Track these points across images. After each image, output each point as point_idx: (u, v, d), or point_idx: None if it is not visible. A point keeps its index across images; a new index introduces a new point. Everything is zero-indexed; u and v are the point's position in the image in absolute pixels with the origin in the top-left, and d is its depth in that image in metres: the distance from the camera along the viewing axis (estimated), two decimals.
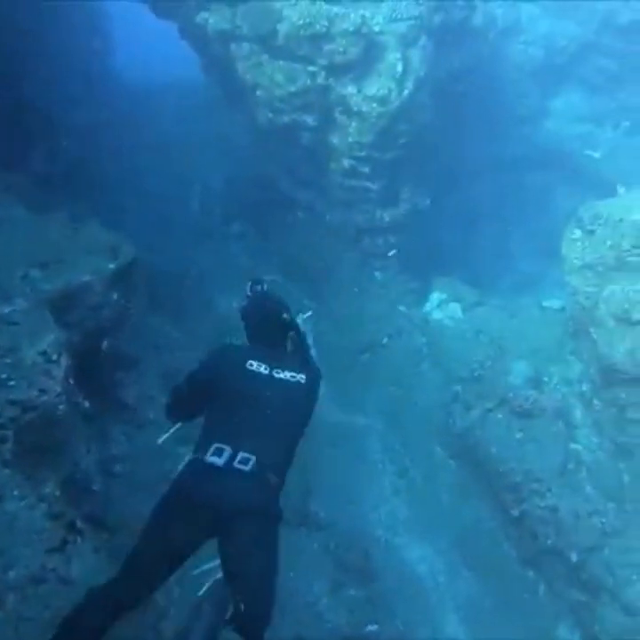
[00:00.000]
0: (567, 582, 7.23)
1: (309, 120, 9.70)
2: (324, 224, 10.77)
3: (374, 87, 9.20)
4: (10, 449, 4.64)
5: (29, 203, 7.27)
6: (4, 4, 9.64)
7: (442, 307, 10.07)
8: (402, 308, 10.19)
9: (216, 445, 3.36)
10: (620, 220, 7.55)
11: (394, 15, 8.99)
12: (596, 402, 7.81)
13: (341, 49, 9.03)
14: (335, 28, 8.92)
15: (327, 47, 9.08)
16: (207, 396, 3.65)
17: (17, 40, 9.97)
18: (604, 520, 7.16)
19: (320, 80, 9.34)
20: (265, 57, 9.55)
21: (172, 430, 3.88)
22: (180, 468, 3.44)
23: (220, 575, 3.36)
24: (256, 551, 3.25)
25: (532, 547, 7.47)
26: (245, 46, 9.62)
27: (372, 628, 5.63)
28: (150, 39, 17.35)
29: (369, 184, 10.09)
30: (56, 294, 6.15)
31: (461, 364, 8.92)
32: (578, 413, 7.95)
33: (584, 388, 8.04)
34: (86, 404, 5.78)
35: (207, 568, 3.54)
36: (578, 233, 7.99)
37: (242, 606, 3.14)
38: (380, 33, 9.04)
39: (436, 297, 10.21)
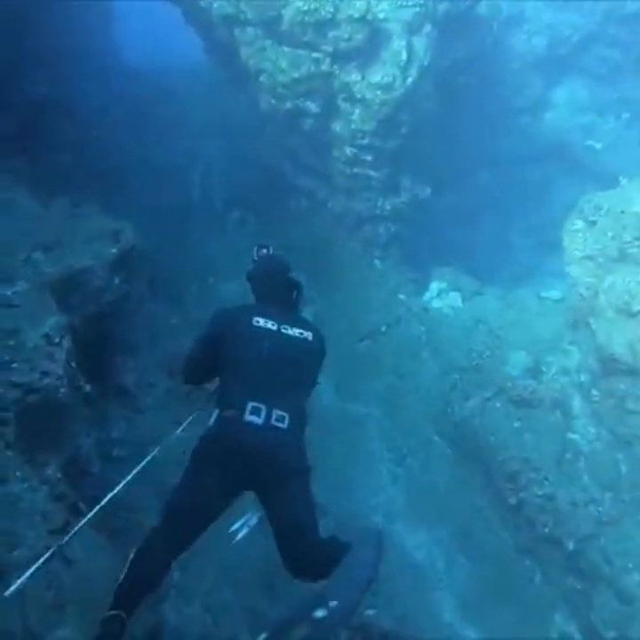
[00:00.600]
0: (564, 570, 7.30)
1: (312, 107, 9.66)
2: (326, 211, 10.77)
3: (378, 74, 9.16)
4: (12, 431, 4.66)
5: (34, 188, 7.26)
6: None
7: (441, 296, 10.10)
8: (402, 297, 10.20)
9: (252, 404, 3.37)
10: (622, 212, 7.59)
11: (399, 2, 8.93)
12: (594, 392, 7.85)
13: (346, 36, 8.98)
14: (340, 15, 8.88)
15: (332, 33, 9.04)
16: (219, 354, 3.65)
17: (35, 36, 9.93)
18: (600, 509, 7.24)
19: (324, 67, 9.30)
20: (269, 42, 9.51)
21: (185, 423, 3.87)
22: (211, 423, 3.45)
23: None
24: (302, 503, 3.38)
25: (530, 535, 7.53)
26: (250, 31, 9.58)
27: (370, 612, 5.67)
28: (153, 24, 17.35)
29: (371, 172, 10.07)
30: (58, 278, 6.18)
31: (460, 353, 8.97)
32: (576, 403, 8.01)
33: (583, 378, 8.09)
34: (88, 387, 5.79)
35: (240, 524, 3.69)
36: (579, 224, 8.02)
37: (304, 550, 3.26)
38: (385, 20, 8.97)
39: (435, 286, 10.24)
